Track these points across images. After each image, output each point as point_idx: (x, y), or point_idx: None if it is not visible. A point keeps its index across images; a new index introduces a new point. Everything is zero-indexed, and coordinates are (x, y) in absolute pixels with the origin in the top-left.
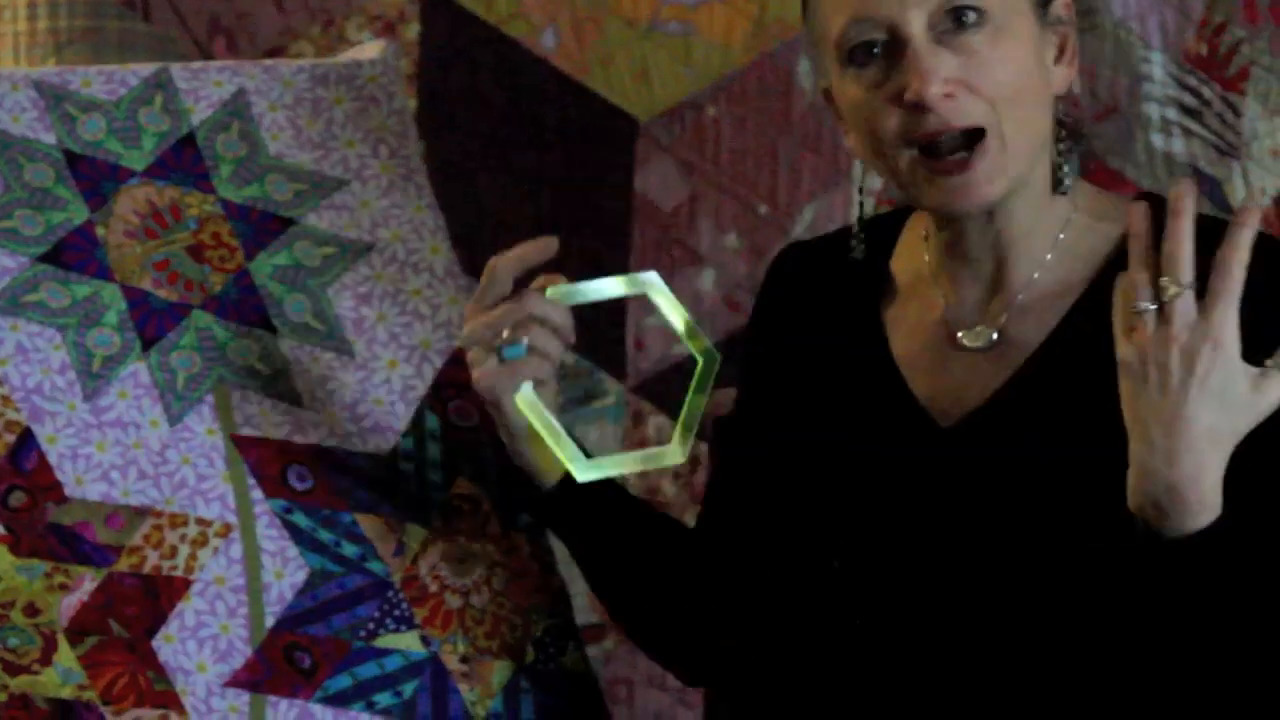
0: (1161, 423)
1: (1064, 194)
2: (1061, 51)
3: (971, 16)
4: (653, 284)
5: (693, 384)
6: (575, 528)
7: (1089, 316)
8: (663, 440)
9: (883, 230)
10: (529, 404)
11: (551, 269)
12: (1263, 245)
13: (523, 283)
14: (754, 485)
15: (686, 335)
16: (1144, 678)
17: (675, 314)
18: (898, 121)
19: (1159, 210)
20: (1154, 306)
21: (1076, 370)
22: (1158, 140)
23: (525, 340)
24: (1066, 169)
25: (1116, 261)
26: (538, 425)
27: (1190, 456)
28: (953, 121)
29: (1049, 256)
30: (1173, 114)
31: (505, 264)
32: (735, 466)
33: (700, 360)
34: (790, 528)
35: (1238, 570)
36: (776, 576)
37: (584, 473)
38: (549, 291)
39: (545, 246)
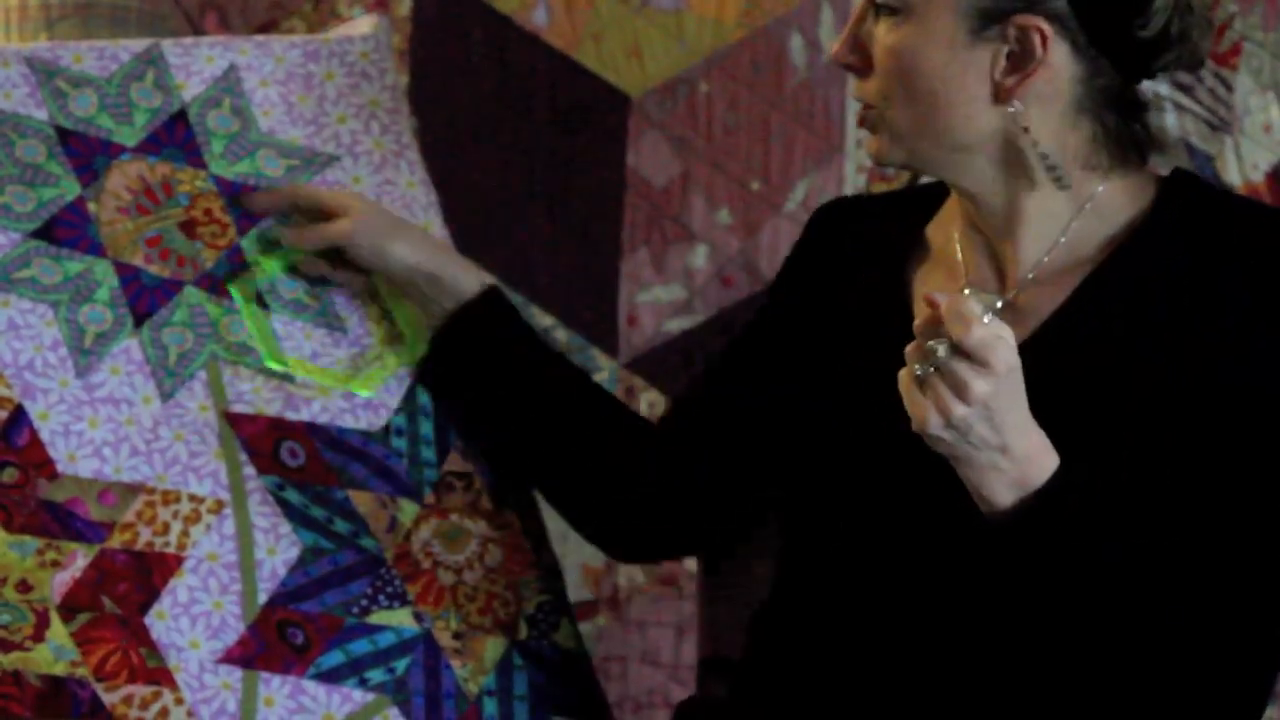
0: (983, 448)
1: (1065, 188)
2: (1015, 70)
3: (884, 8)
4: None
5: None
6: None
7: (1099, 290)
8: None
9: (928, 197)
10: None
11: (544, 247)
12: (1268, 217)
13: None
14: (748, 416)
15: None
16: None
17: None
18: None
19: (1184, 187)
20: (931, 370)
21: (1084, 342)
22: (1150, 116)
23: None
24: (1059, 169)
25: (1131, 238)
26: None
27: (1016, 437)
28: (855, 91)
29: (1062, 238)
30: (1164, 89)
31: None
32: (729, 388)
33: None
34: (792, 477)
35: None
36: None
37: (275, 364)
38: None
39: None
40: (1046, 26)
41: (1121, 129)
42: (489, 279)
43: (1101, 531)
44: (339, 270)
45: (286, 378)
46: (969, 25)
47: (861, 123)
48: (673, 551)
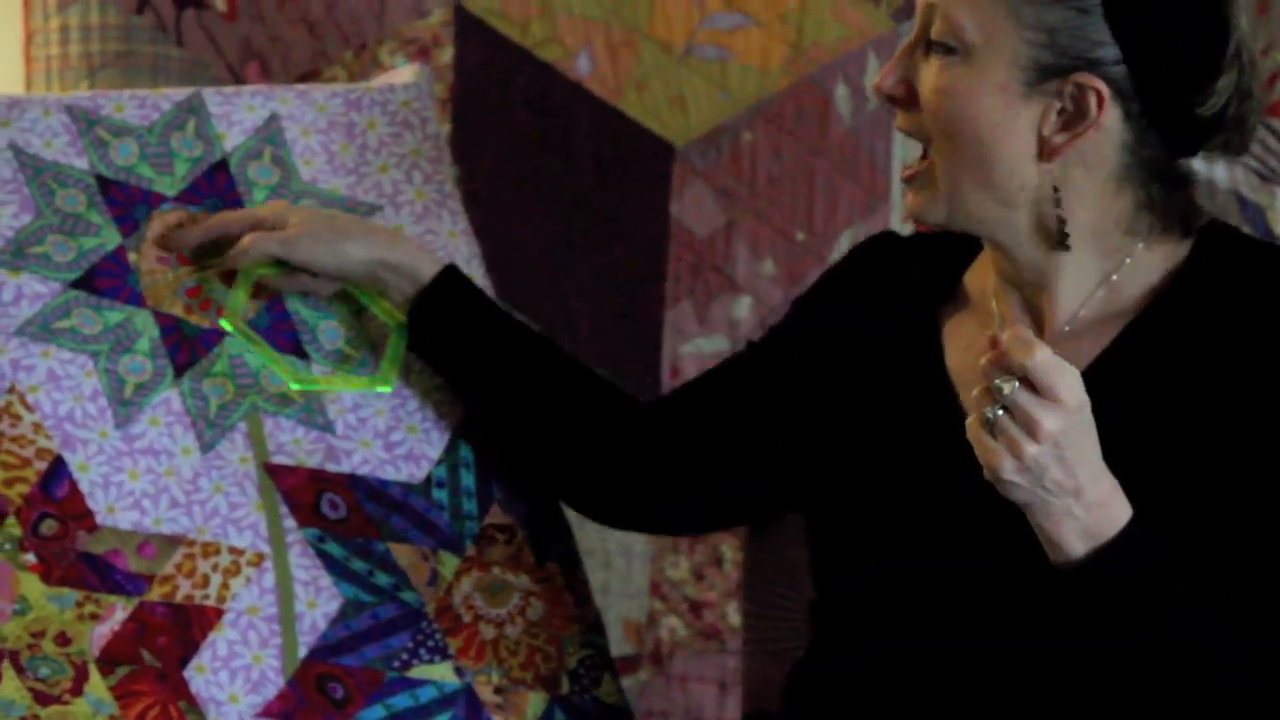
0: (1057, 492)
1: (1066, 249)
2: (1065, 129)
3: (940, 46)
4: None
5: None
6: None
7: (1137, 341)
8: None
9: (971, 243)
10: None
11: (587, 298)
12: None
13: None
14: (745, 412)
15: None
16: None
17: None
18: None
19: (1220, 238)
20: (1000, 411)
21: (1118, 396)
22: (1199, 167)
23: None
24: (1069, 237)
25: (1169, 288)
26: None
27: (1089, 480)
28: (899, 123)
29: (1100, 292)
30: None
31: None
32: (731, 382)
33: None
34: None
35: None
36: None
37: (296, 384)
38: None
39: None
40: (1104, 88)
41: (1165, 200)
42: (445, 260)
43: (1173, 584)
44: (302, 280)
45: (310, 394)
46: (1025, 76)
47: (907, 179)
48: (644, 523)
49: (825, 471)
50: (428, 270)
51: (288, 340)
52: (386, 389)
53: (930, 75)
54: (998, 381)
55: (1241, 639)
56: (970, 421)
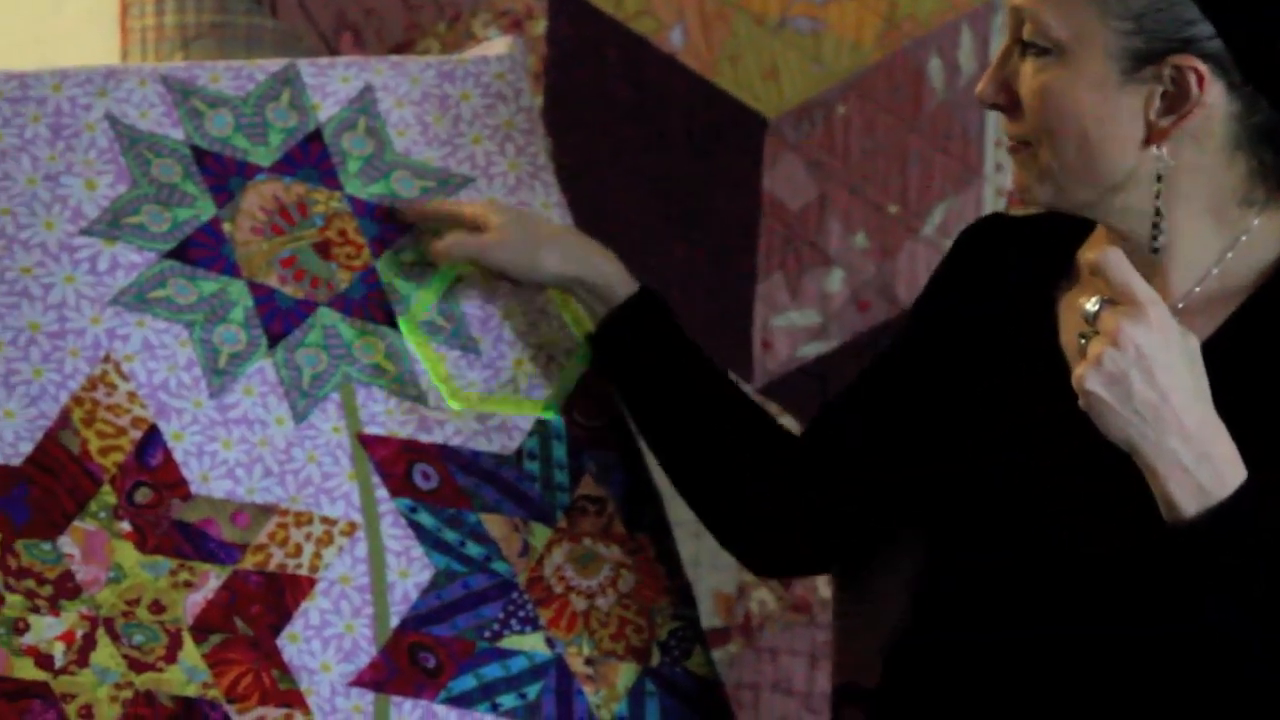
0: (1151, 418)
1: (1156, 250)
2: (1170, 111)
3: (1032, 47)
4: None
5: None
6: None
7: (1253, 319)
8: None
9: (1081, 219)
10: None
11: (678, 270)
12: None
13: None
14: (889, 434)
15: (573, 323)
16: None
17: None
18: None
19: None
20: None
21: (1238, 371)
22: None
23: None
24: (1162, 225)
25: None
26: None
27: (1192, 418)
28: (1005, 129)
29: (1215, 270)
30: None
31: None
32: (871, 406)
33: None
34: (938, 500)
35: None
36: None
37: (456, 404)
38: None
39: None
40: (1202, 66)
41: (1278, 164)
42: (638, 281)
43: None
44: (502, 282)
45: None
46: (1121, 66)
47: (1013, 151)
48: (806, 567)
49: (948, 460)
50: (622, 291)
51: (379, 310)
52: (551, 415)
53: (1028, 77)
54: (1083, 302)
55: None
56: (1065, 342)
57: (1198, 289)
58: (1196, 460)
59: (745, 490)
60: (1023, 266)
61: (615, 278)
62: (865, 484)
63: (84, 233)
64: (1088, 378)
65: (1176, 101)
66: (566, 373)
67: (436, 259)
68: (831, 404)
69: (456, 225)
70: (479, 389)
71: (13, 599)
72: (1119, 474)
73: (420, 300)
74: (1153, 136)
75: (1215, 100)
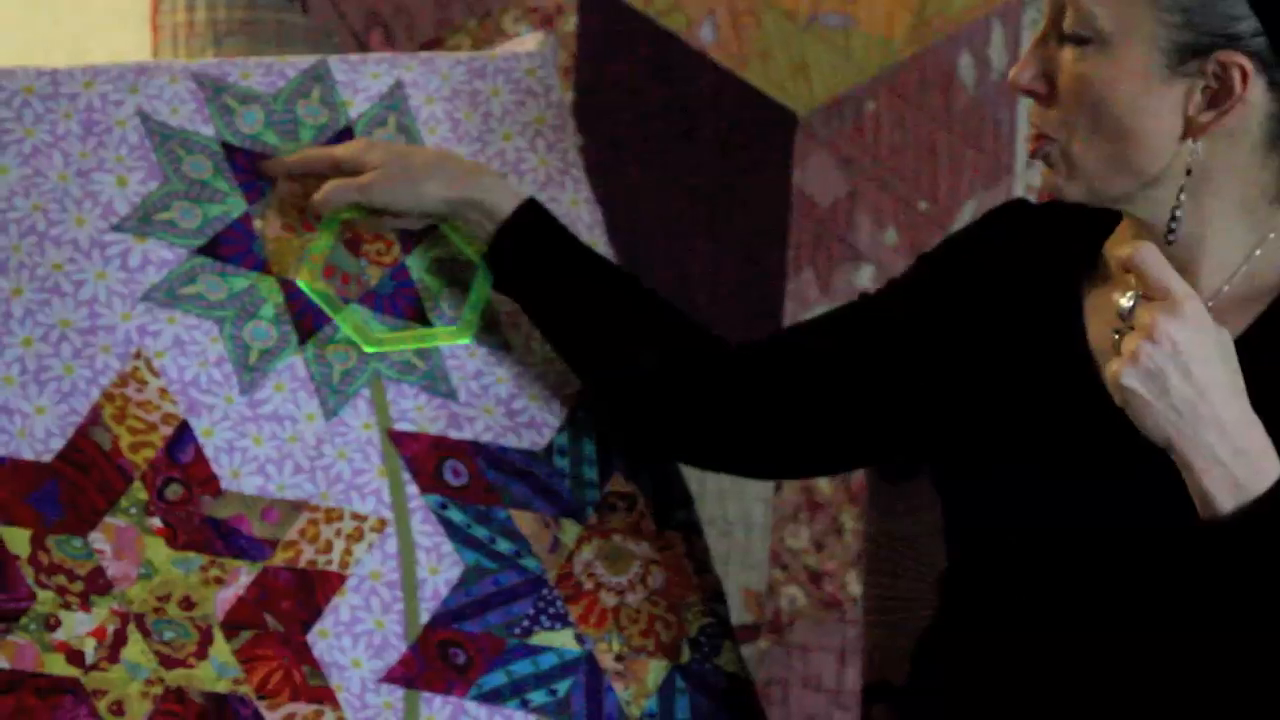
0: (1189, 413)
1: (1170, 242)
2: (1211, 106)
3: (1073, 36)
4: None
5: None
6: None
7: (1277, 322)
8: None
9: (1110, 212)
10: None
11: (708, 266)
12: None
13: None
14: (852, 360)
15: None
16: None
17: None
18: None
19: None
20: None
21: (1267, 371)
22: None
23: None
24: (1180, 216)
25: None
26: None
27: (1229, 413)
28: (1035, 119)
29: (1244, 268)
30: None
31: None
32: (839, 330)
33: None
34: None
35: None
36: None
37: (370, 347)
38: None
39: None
40: (1247, 63)
41: None
42: (525, 193)
43: None
44: (387, 220)
45: (381, 355)
46: (1166, 59)
47: (1035, 154)
48: (726, 461)
49: (962, 442)
50: (507, 205)
51: (410, 307)
52: (465, 340)
53: (1067, 65)
54: (1117, 298)
55: None
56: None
57: (1227, 287)
58: (1233, 455)
59: (661, 381)
60: (1047, 257)
61: (500, 194)
62: (816, 398)
63: (115, 229)
64: (1124, 374)
65: (1219, 97)
66: (473, 296)
67: (319, 209)
68: (802, 323)
69: (335, 172)
70: (508, 385)
71: (44, 595)
72: (1147, 470)
73: (313, 254)
74: (1190, 131)
75: (1256, 99)
